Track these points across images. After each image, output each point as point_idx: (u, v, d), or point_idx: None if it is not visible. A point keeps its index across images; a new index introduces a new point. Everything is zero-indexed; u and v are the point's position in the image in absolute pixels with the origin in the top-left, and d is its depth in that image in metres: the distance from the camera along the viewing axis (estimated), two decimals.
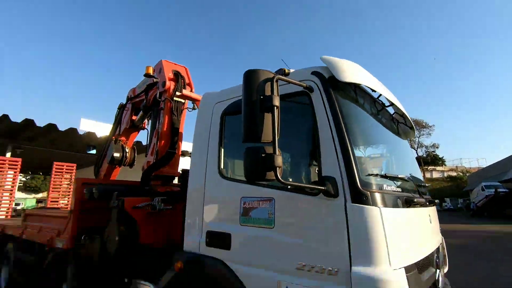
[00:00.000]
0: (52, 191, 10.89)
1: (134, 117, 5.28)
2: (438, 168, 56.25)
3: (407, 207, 2.01)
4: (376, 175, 1.93)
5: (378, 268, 1.59)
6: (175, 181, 4.15)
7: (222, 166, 2.47)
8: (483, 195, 28.11)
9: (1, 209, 9.78)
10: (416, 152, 53.70)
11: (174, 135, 4.00)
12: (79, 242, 3.63)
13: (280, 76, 1.87)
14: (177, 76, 4.12)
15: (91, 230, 3.71)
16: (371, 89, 2.38)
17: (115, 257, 3.12)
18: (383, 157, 2.74)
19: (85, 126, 15.35)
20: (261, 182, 2.14)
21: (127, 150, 4.90)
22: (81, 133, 14.83)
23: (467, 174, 50.98)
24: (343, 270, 1.66)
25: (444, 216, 29.79)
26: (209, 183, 2.48)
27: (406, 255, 1.80)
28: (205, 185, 2.49)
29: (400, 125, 3.02)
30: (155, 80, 4.22)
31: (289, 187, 1.99)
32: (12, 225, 6.01)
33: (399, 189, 2.06)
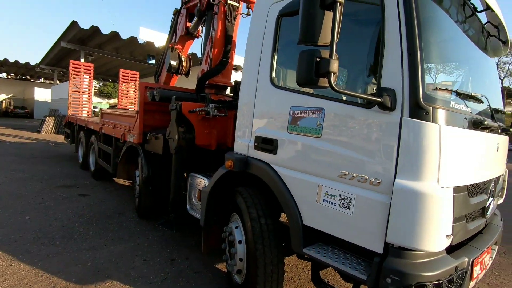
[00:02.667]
0: (121, 97, 12.14)
1: (188, 24, 5.21)
2: None
3: (474, 129, 1.82)
4: (445, 89, 1.72)
5: (424, 183, 1.56)
6: (228, 92, 4.26)
7: (274, 74, 2.42)
8: None
9: (83, 109, 11.38)
10: (502, 82, 45.63)
11: (228, 43, 3.93)
12: (146, 138, 4.17)
13: None
14: None
15: (156, 129, 4.20)
16: None
17: (175, 153, 3.56)
18: (459, 73, 2.38)
19: (144, 35, 15.77)
20: (312, 92, 2.09)
21: (183, 59, 5.01)
22: (141, 42, 15.40)
23: None
24: (386, 181, 1.67)
25: None
26: (260, 91, 2.49)
27: (459, 176, 1.72)
28: (256, 92, 2.51)
29: (490, 38, 2.50)
30: None
31: (343, 97, 1.91)
32: (93, 121, 7.06)
33: (469, 109, 1.83)
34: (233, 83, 4.04)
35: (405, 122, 1.62)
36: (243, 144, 2.63)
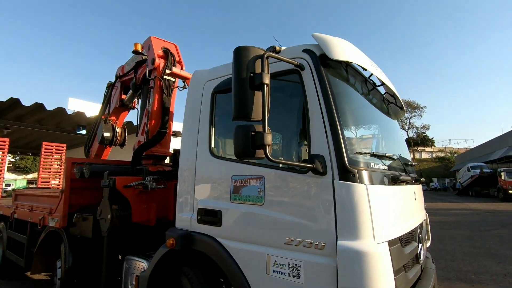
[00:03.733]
0: (42, 172, 10.78)
1: (123, 96, 5.17)
2: (428, 149, 57.35)
3: (393, 184, 2.07)
4: (364, 153, 1.97)
5: (363, 242, 1.66)
6: (167, 161, 4.15)
7: (213, 145, 2.48)
8: (469, 175, 29.04)
9: None
10: (407, 133, 54.43)
11: (165, 114, 3.96)
12: (72, 221, 3.65)
13: (271, 53, 1.84)
14: (166, 53, 4.01)
15: (83, 209, 3.74)
16: (362, 67, 2.37)
17: (108, 235, 3.17)
18: (372, 136, 2.78)
19: (74, 105, 14.96)
20: (251, 160, 2.17)
21: (117, 130, 4.84)
22: (69, 112, 14.50)
23: (455, 155, 52.25)
24: (329, 244, 1.73)
25: (430, 195, 30.83)
26: (200, 162, 2.50)
27: (390, 230, 1.87)
28: (196, 164, 2.51)
29: (390, 105, 3.05)
30: (144, 57, 4.11)
31: (280, 165, 2.02)
32: (3, 204, 5.99)
33: (386, 168, 2.11)
34: (172, 152, 3.98)
35: (336, 184, 1.77)
36: (185, 219, 2.49)
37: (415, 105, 54.41)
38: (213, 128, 2.50)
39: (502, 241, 8.10)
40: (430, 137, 57.20)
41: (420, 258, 2.35)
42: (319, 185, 1.83)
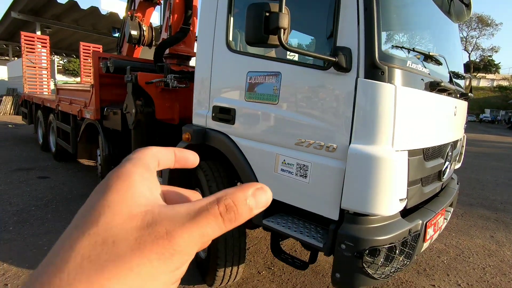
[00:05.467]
0: (83, 74, 11.31)
1: None
2: (489, 76, 49.61)
3: (431, 91, 1.77)
4: (402, 47, 1.64)
5: (378, 147, 1.51)
6: (193, 62, 4.00)
7: (230, 38, 2.23)
8: None
9: (43, 87, 10.52)
10: (469, 56, 46.98)
11: (188, 8, 3.62)
12: (104, 114, 3.88)
13: None
14: None
15: (114, 105, 3.91)
16: None
17: (135, 129, 3.34)
18: (420, 35, 2.31)
19: (106, 5, 14.53)
20: (267, 55, 1.95)
21: (144, 28, 4.63)
22: (103, 13, 14.21)
23: None
24: (341, 147, 1.61)
25: (477, 126, 28.53)
26: (216, 56, 2.31)
27: (414, 139, 1.69)
28: (212, 59, 2.33)
29: (454, 1, 2.43)
30: None
31: (297, 58, 1.78)
32: (49, 98, 6.53)
33: (427, 70, 1.77)
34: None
35: (360, 83, 1.53)
36: (201, 115, 2.47)
37: (488, 21, 45.23)
38: (232, 18, 2.21)
39: None
40: (496, 62, 49.12)
41: (443, 176, 2.20)
42: (340, 83, 1.61)
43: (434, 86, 1.76)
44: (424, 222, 1.81)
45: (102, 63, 3.68)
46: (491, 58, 48.81)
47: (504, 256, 3.38)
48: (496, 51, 48.36)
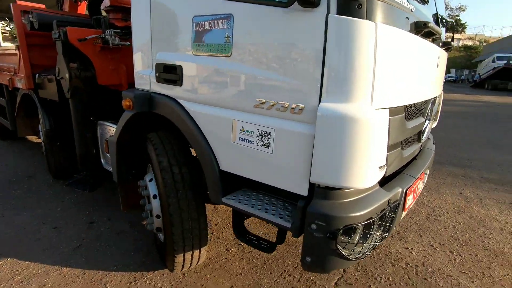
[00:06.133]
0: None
1: None
2: (456, 35, 50.74)
3: (416, 34, 1.46)
4: None
5: (354, 105, 1.20)
6: None
7: None
8: (491, 67, 26.73)
9: None
10: (436, 12, 47.49)
11: None
12: (37, 82, 3.27)
13: None
14: None
15: (49, 71, 3.28)
16: None
17: (72, 97, 2.81)
18: None
19: None
20: None
21: None
22: None
23: (484, 44, 46.88)
24: (308, 108, 1.29)
25: (444, 86, 29.50)
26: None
27: (396, 94, 1.39)
28: (151, 1, 1.84)
29: None
30: None
31: None
32: None
33: (412, 7, 1.43)
34: None
35: (331, 21, 1.17)
36: (143, 77, 2.03)
37: None
38: None
39: (507, 133, 7.88)
40: (462, 22, 49.96)
41: (422, 136, 1.98)
42: (306, 23, 1.24)
43: (420, 28, 1.43)
44: (404, 190, 1.59)
45: (24, 18, 2.99)
46: (458, 18, 49.52)
47: (472, 212, 3.40)
48: (464, 10, 49.07)
